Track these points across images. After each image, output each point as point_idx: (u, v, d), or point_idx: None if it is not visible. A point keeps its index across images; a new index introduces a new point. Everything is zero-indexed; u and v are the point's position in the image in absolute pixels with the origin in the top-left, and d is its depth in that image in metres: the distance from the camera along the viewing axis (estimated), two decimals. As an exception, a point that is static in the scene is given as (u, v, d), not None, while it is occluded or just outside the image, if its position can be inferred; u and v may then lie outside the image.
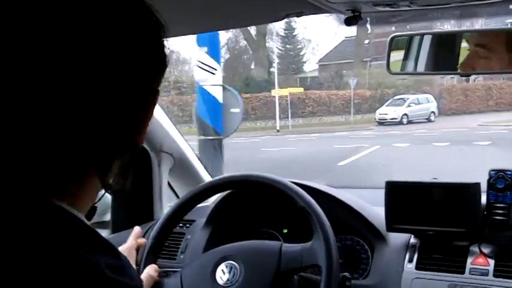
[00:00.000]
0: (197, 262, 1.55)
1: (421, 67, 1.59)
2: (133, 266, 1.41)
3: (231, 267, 1.45)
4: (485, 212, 1.59)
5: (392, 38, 1.58)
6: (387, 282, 1.61)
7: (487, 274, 1.52)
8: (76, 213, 0.66)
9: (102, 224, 2.02)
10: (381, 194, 1.68)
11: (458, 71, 1.59)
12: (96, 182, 0.69)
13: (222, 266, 1.46)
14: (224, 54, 24.74)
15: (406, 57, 1.59)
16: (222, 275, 1.45)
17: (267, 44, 29.02)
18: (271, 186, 1.53)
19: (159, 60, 0.71)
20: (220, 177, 1.65)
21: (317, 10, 1.16)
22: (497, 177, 1.58)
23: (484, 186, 1.59)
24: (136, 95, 0.68)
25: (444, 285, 1.54)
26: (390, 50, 1.57)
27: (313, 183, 1.77)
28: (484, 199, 1.59)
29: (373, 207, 1.76)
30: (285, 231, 1.85)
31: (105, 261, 0.63)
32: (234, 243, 1.55)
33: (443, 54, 1.57)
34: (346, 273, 1.47)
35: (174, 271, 1.62)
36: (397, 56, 1.56)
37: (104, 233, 2.08)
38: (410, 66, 1.60)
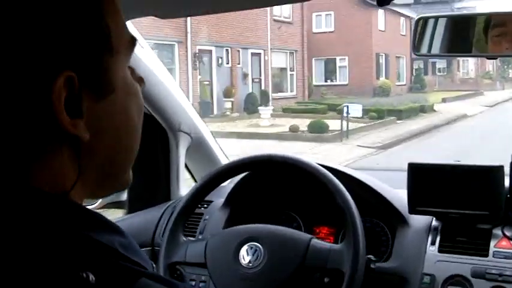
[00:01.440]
0: (223, 236, 1.54)
1: (435, 49, 1.58)
2: None
3: (256, 250, 1.44)
4: (508, 195, 1.58)
5: (418, 20, 1.56)
6: (409, 265, 1.60)
7: (511, 257, 1.52)
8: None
9: (119, 204, 2.01)
10: (402, 177, 1.67)
11: (472, 53, 1.59)
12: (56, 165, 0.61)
13: (247, 247, 1.45)
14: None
15: (420, 39, 1.58)
16: (245, 255, 1.44)
17: None
18: (306, 172, 1.50)
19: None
20: (245, 157, 1.63)
21: None
22: (521, 160, 1.58)
23: (507, 169, 1.59)
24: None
25: (467, 268, 1.53)
26: (416, 31, 1.55)
27: (333, 164, 1.75)
28: (507, 182, 1.59)
29: (395, 189, 1.76)
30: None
31: (117, 239, 0.61)
32: (262, 224, 1.54)
33: (458, 36, 1.56)
34: (371, 256, 1.46)
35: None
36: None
37: (120, 213, 2.07)
38: (424, 49, 1.59)
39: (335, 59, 29.52)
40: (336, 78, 29.94)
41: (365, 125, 16.35)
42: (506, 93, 30.58)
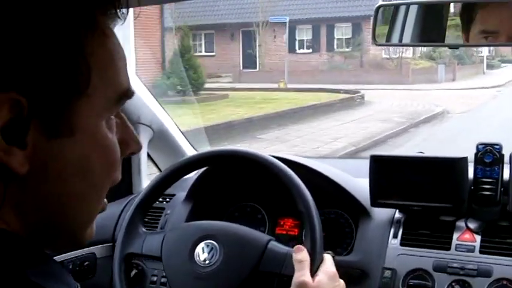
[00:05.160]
0: (181, 230, 1.49)
1: (406, 38, 1.53)
2: None
3: (212, 248, 1.39)
4: (472, 187, 1.55)
5: (378, 8, 1.51)
6: (370, 259, 1.57)
7: (473, 250, 1.49)
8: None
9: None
10: (363, 164, 1.63)
11: (445, 42, 1.53)
12: None
13: (203, 244, 1.40)
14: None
15: (391, 28, 1.52)
16: (201, 252, 1.40)
17: None
18: (266, 168, 1.43)
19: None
20: (207, 150, 1.57)
21: None
22: (485, 152, 1.54)
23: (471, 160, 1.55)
24: None
25: (429, 262, 1.50)
26: (376, 20, 1.50)
27: (293, 156, 1.71)
28: (471, 174, 1.55)
29: (356, 178, 1.72)
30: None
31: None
32: (223, 222, 1.50)
33: (430, 25, 1.51)
34: (329, 252, 1.43)
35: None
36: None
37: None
38: (395, 38, 1.53)
39: None
40: None
41: None
42: (448, 92, 14.76)
